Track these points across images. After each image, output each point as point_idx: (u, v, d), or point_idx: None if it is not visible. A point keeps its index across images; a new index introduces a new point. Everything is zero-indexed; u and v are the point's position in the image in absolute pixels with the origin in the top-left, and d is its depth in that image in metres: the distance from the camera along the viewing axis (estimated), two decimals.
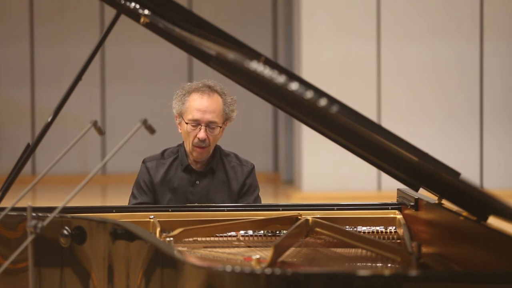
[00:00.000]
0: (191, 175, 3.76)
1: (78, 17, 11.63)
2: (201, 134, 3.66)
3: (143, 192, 3.75)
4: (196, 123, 3.67)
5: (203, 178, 3.76)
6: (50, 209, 2.84)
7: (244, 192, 3.78)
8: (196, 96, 3.69)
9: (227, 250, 2.98)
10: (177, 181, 3.75)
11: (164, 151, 3.83)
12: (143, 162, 3.81)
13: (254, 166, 3.84)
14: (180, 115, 3.71)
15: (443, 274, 2.31)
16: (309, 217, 3.11)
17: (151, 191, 3.75)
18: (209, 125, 3.67)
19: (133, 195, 3.77)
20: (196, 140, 3.67)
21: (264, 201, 3.90)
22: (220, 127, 3.69)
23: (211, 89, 3.71)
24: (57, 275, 2.99)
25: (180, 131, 3.76)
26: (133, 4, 2.96)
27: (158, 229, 3.01)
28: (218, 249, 2.99)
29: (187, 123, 3.68)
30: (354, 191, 9.07)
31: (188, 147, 3.73)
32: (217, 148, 3.80)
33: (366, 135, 2.41)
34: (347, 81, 9.21)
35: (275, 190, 10.73)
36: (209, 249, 2.98)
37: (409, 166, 2.61)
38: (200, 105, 3.67)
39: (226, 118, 3.73)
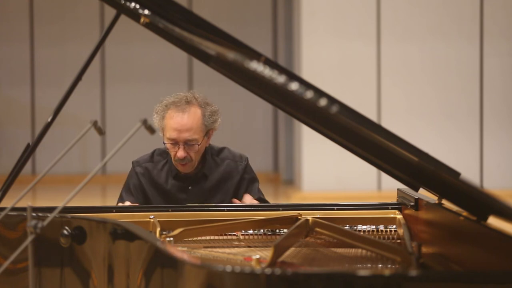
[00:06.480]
0: (183, 182, 3.67)
1: (78, 17, 11.63)
2: (180, 153, 3.55)
3: (130, 194, 3.68)
4: (174, 141, 3.55)
5: (196, 183, 3.67)
6: (50, 209, 2.84)
7: (245, 188, 3.72)
8: (173, 113, 3.54)
9: (227, 250, 2.98)
10: (169, 187, 3.67)
11: (154, 151, 3.73)
12: (133, 165, 3.73)
13: (248, 159, 3.76)
14: (161, 130, 3.60)
15: (443, 274, 2.31)
16: (309, 217, 3.11)
17: (140, 195, 3.68)
18: (187, 143, 3.54)
19: (120, 197, 3.72)
20: (176, 157, 3.57)
21: None
22: (200, 143, 3.56)
23: (188, 103, 3.55)
24: (57, 275, 2.99)
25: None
26: (133, 4, 2.96)
27: (158, 229, 3.01)
28: (218, 249, 2.99)
29: (165, 143, 3.58)
30: (354, 191, 9.07)
31: (173, 161, 3.64)
32: (208, 150, 3.69)
33: (366, 135, 2.41)
34: (347, 81, 9.20)
35: (275, 190, 10.72)
36: (209, 249, 2.98)
37: (409, 166, 2.61)
38: (176, 123, 3.52)
39: (207, 130, 3.59)
